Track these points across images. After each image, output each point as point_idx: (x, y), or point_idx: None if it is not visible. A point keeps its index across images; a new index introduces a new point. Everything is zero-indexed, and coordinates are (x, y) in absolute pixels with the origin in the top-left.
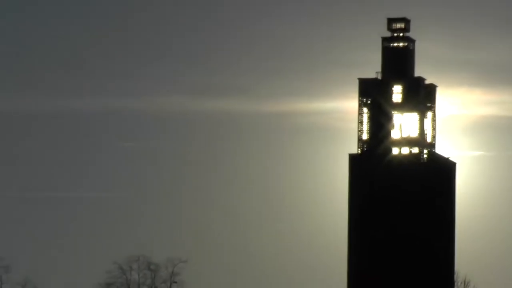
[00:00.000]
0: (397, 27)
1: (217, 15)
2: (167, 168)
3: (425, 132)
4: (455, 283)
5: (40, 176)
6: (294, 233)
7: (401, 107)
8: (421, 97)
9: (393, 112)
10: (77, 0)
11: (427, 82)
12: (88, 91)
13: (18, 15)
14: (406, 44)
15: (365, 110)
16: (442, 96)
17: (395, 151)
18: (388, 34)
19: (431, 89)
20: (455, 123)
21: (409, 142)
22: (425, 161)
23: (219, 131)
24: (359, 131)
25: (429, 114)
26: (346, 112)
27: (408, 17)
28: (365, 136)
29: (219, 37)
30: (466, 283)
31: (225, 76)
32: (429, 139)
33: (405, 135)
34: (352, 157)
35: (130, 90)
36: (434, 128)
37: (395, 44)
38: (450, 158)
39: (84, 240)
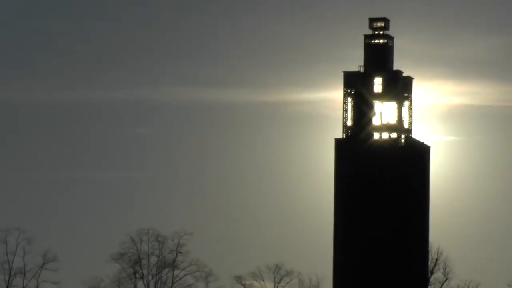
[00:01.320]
0: (378, 26)
1: (218, 18)
2: (174, 151)
3: (403, 119)
4: (429, 253)
5: (61, 158)
6: (287, 207)
7: (381, 97)
8: (399, 88)
9: (374, 101)
10: None
11: (404, 74)
12: (106, 84)
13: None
14: (385, 41)
15: (349, 99)
16: (418, 87)
17: (376, 136)
18: (369, 32)
19: (408, 81)
20: (429, 111)
21: (389, 128)
22: (402, 145)
23: (220, 118)
24: (344, 118)
25: (406, 103)
26: (333, 101)
27: (388, 17)
28: (349, 123)
29: (220, 36)
30: (439, 253)
31: (225, 70)
32: (406, 125)
33: (385, 121)
34: (338, 141)
35: (143, 83)
36: (410, 116)
37: (376, 41)
38: (425, 142)
39: (100, 214)
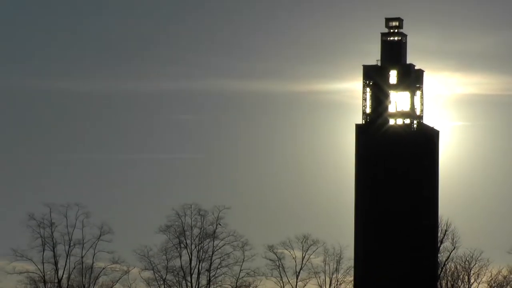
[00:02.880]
0: (393, 25)
1: (255, 20)
2: (214, 135)
3: (415, 107)
4: (439, 225)
5: (116, 142)
6: (314, 183)
7: (396, 87)
8: (412, 80)
9: (389, 91)
10: None
11: (416, 67)
12: (151, 76)
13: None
14: (400, 38)
15: (368, 89)
16: (429, 78)
17: (391, 121)
18: (386, 30)
19: (420, 73)
20: (439, 99)
21: (402, 114)
22: (415, 129)
23: (255, 106)
24: (363, 106)
25: (418, 92)
26: (353, 91)
27: (402, 17)
28: (368, 110)
29: (256, 35)
30: (448, 225)
31: (260, 64)
32: (418, 112)
33: (399, 109)
34: (358, 126)
35: (186, 75)
36: (422, 104)
37: (391, 38)
38: (434, 127)
39: (149, 191)
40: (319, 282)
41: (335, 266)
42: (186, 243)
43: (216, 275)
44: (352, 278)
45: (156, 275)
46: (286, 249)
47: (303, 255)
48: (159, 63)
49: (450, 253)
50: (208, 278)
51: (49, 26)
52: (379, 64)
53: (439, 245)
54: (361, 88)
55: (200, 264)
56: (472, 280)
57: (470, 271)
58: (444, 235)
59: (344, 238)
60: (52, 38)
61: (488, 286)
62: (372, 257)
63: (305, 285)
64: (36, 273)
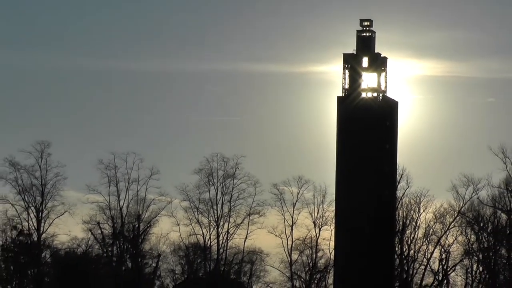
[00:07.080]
0: (365, 24)
1: (268, 17)
2: (233, 102)
3: (381, 84)
4: (397, 170)
5: (164, 106)
6: (307, 137)
7: (367, 69)
8: (378, 64)
9: (362, 72)
10: None
11: (382, 55)
12: (190, 57)
13: None
14: (370, 34)
15: (346, 71)
16: (395, 64)
17: (363, 95)
18: (360, 28)
19: (384, 59)
20: (402, 79)
21: (372, 89)
22: (380, 100)
23: (261, 82)
24: (343, 83)
25: (383, 74)
26: (335, 72)
27: (372, 19)
28: (346, 86)
29: (263, 26)
30: (403, 170)
31: (265, 50)
32: (383, 88)
33: (369, 86)
34: (339, 98)
35: (214, 58)
36: (386, 82)
37: (364, 34)
38: (394, 99)
39: (187, 143)
40: (310, 211)
41: (321, 199)
42: (213, 181)
43: (235, 205)
44: (334, 208)
45: (191, 204)
46: (286, 187)
47: (298, 191)
48: (194, 47)
49: (405, 191)
50: (229, 207)
51: (105, 16)
52: (355, 52)
53: (397, 184)
54: (342, 70)
55: (223, 197)
56: (421, 210)
57: (420, 204)
58: (401, 177)
59: (328, 179)
60: (117, 30)
61: (433, 215)
62: (348, 192)
63: (299, 213)
64: (103, 203)
